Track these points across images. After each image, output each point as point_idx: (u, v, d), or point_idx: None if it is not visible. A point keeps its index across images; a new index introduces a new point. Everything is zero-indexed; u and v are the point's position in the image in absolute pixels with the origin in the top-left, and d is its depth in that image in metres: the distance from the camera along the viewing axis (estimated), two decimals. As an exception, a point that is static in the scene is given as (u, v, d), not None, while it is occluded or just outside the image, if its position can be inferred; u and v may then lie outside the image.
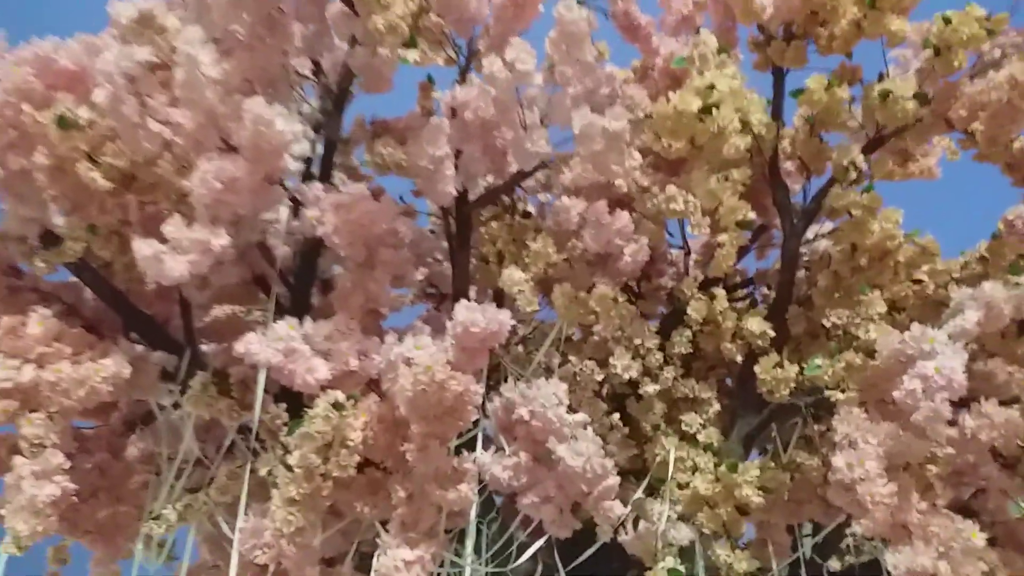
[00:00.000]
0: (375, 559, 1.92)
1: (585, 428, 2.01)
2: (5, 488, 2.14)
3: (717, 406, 2.68)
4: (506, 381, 2.22)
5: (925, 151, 3.01)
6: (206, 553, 2.98)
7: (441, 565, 2.41)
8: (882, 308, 2.32)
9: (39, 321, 2.05)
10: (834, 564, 3.51)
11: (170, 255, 1.79)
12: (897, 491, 1.94)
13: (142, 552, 2.68)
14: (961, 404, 2.14)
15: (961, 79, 2.22)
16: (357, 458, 1.96)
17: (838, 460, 1.97)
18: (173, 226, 1.82)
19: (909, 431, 2.01)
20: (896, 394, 1.91)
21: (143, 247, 1.79)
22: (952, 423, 2.07)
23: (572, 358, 2.48)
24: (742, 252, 3.43)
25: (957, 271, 2.61)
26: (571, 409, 2.11)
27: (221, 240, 1.86)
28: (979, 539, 1.97)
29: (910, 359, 1.95)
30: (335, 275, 2.75)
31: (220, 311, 2.85)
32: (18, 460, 1.94)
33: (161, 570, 2.94)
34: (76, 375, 1.94)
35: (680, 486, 2.46)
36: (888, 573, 3.19)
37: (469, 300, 2.28)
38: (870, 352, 2.14)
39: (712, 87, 2.00)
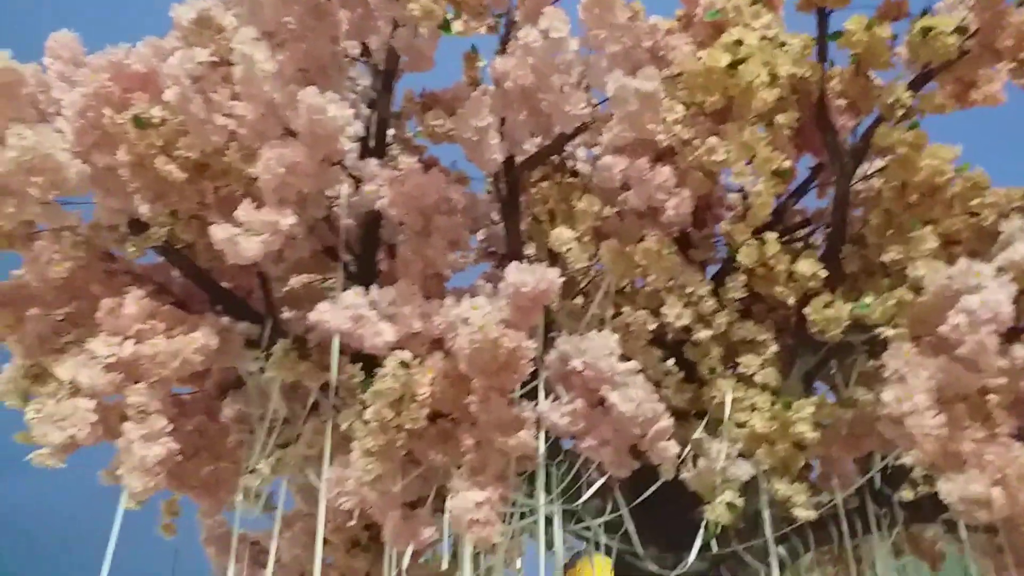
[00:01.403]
0: (448, 501, 2.09)
1: (636, 375, 2.11)
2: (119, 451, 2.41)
3: (775, 347, 2.74)
4: (561, 333, 2.33)
5: (989, 76, 2.93)
6: (300, 502, 3.25)
7: (513, 505, 2.59)
8: (934, 244, 2.32)
9: (134, 301, 2.27)
10: (906, 495, 3.55)
11: (243, 236, 1.97)
12: (948, 422, 1.99)
13: (242, 503, 2.96)
14: (1017, 334, 2.15)
15: (1008, 8, 2.17)
16: (427, 411, 2.12)
17: (887, 394, 2.02)
18: (244, 210, 1.99)
19: (959, 364, 2.04)
20: (942, 329, 1.95)
21: (218, 231, 1.97)
22: (1004, 353, 2.09)
23: (625, 308, 2.57)
24: (801, 191, 3.44)
25: (1018, 200, 2.57)
26: (624, 358, 2.22)
27: (288, 220, 2.02)
28: (1034, 465, 2.00)
29: (956, 294, 1.97)
30: (398, 241, 2.92)
31: (296, 281, 3.06)
32: (127, 426, 2.17)
33: (261, 519, 3.23)
34: (170, 348, 2.15)
35: (739, 425, 2.55)
36: (958, 503, 3.21)
37: (523, 259, 2.40)
38: (919, 288, 2.16)
39: (740, 42, 2.02)
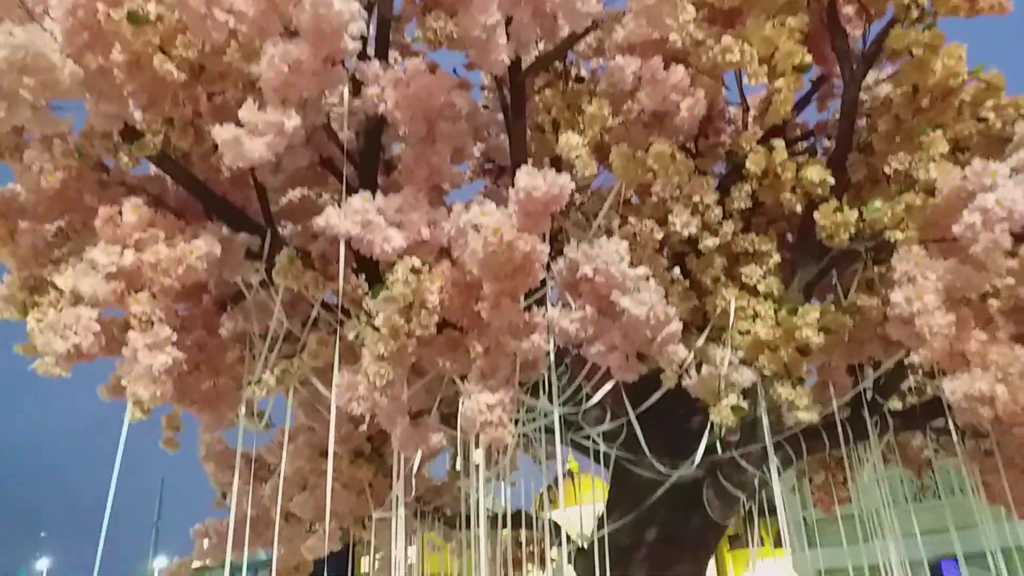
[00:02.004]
0: (460, 404, 2.10)
1: (647, 280, 2.10)
2: (120, 363, 2.39)
3: (777, 257, 2.75)
4: (568, 243, 2.31)
5: (996, -18, 2.88)
6: (302, 417, 3.26)
7: (518, 411, 2.61)
8: (944, 148, 2.31)
9: (133, 209, 2.21)
10: (895, 404, 3.64)
11: (247, 137, 1.91)
12: (955, 322, 2.01)
13: (244, 419, 2.96)
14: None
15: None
16: (436, 318, 2.11)
17: (897, 295, 2.04)
18: (247, 110, 1.92)
19: (968, 264, 2.06)
20: (956, 228, 1.95)
21: (223, 132, 1.90)
22: (1013, 254, 2.11)
23: (631, 219, 2.55)
24: (802, 104, 3.40)
25: (1024, 106, 2.56)
26: (632, 265, 2.21)
27: (293, 121, 1.95)
28: (1036, 364, 2.04)
29: (970, 194, 1.97)
30: (397, 154, 2.86)
31: (293, 195, 3.00)
32: (132, 335, 2.14)
33: (256, 438, 3.27)
34: (173, 255, 2.11)
35: (741, 333, 2.57)
36: (949, 409, 3.31)
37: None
38: (930, 191, 2.16)
39: (763, -71, 1.96)
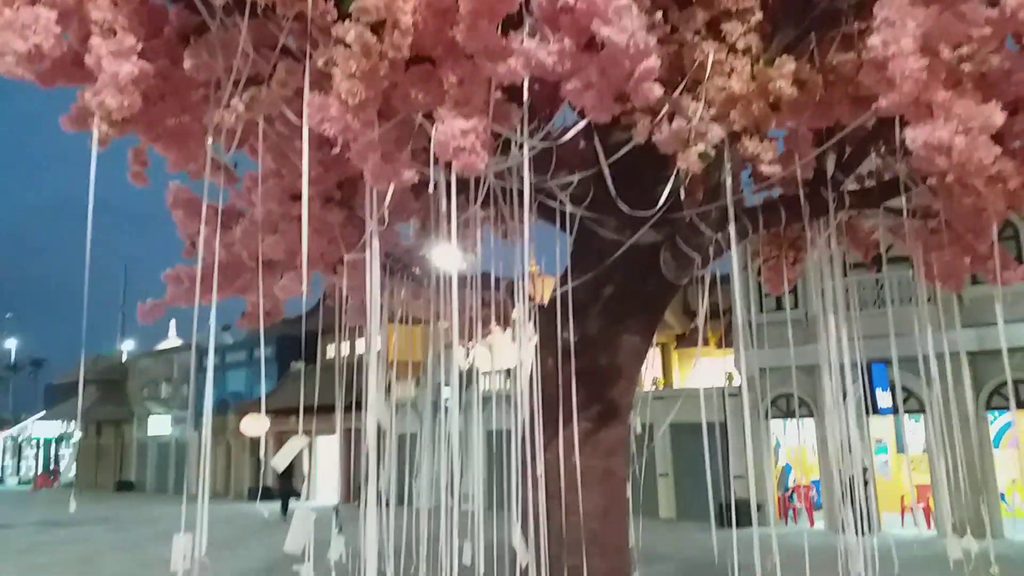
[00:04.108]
0: (432, 131, 2.10)
1: (630, 9, 2.05)
2: (80, 92, 2.32)
3: (759, 15, 2.70)
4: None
5: None
6: (271, 162, 3.25)
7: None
8: None
9: (87, -96, 2.06)
10: (851, 185, 3.75)
11: None
12: (927, 67, 2.03)
13: (209, 172, 2.95)
14: None
15: None
16: (409, 40, 2.05)
17: (874, 39, 2.04)
18: None
19: (948, 13, 2.05)
20: (944, -35, 1.93)
21: None
22: (994, 4, 2.10)
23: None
24: None
25: None
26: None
27: None
28: (999, 117, 2.09)
29: (965, -67, 1.93)
30: None
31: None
32: (95, 41, 2.07)
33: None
34: (134, -48, 2.00)
35: (716, 89, 2.57)
36: (905, 189, 3.41)
37: None
38: (924, -68, 2.10)
39: None
